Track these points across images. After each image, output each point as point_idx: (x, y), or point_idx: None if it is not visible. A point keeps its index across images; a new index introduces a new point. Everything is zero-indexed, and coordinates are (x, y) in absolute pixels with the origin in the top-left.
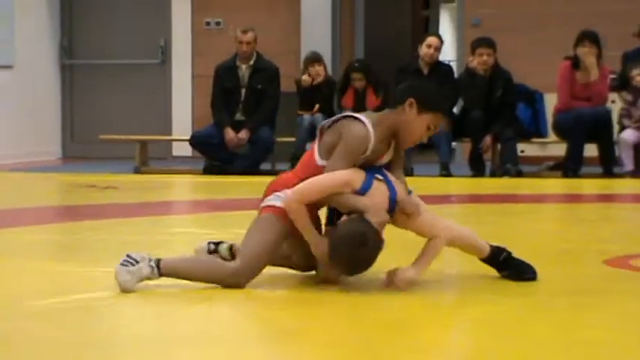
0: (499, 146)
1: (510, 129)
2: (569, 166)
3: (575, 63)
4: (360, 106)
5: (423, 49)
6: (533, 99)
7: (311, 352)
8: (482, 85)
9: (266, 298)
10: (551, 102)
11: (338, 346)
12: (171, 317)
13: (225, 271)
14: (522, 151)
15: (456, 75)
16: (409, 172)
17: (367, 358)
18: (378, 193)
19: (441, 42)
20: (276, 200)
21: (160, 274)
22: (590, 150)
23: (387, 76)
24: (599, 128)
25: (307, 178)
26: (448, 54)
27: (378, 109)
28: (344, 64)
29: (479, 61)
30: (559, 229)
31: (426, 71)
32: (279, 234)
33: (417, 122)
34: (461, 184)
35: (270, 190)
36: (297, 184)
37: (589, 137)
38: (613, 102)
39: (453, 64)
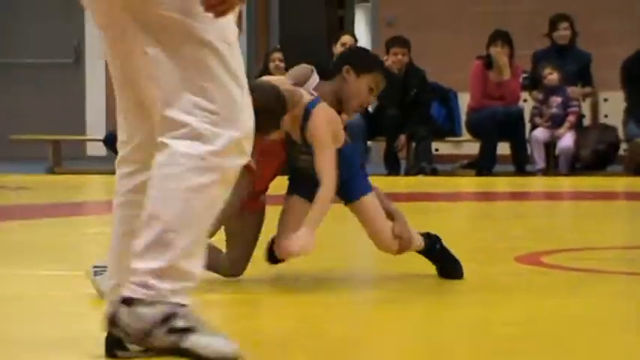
0: (414, 145)
1: (425, 127)
2: (483, 165)
3: (488, 62)
4: None
5: (338, 48)
6: (447, 98)
7: None
8: (396, 83)
9: None
10: (464, 101)
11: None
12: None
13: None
14: (437, 150)
15: None
16: None
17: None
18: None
19: (355, 40)
20: None
21: None
22: (503, 148)
23: None
24: (511, 127)
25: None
26: None
27: None
28: (259, 63)
29: (393, 60)
30: (472, 226)
31: None
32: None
33: (358, 85)
34: (376, 183)
35: None
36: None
37: (502, 136)
38: (525, 101)
39: None
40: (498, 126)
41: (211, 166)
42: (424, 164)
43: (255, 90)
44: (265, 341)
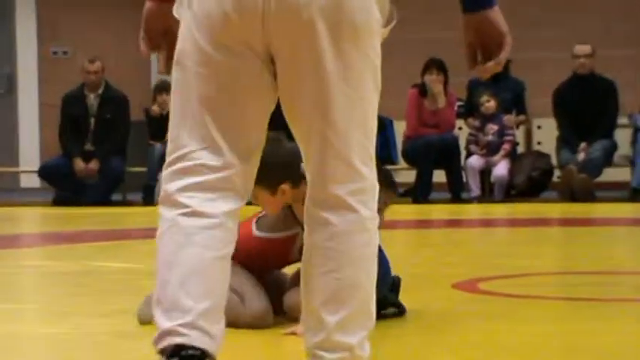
0: None
1: None
2: (419, 192)
3: (423, 90)
4: None
5: None
6: (383, 126)
7: None
8: None
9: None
10: (400, 129)
11: None
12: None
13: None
14: None
15: None
16: None
17: None
18: None
19: None
20: None
21: None
22: (439, 176)
23: None
24: (446, 155)
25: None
26: None
27: None
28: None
29: None
30: (409, 254)
31: None
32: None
33: None
34: None
35: None
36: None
37: (437, 163)
38: (460, 129)
39: None
40: (434, 154)
41: (377, 225)
42: None
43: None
44: None
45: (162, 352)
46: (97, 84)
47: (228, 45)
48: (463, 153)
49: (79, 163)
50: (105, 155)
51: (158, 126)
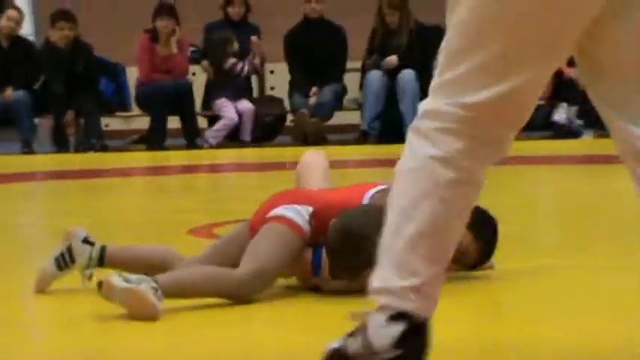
0: (82, 121)
1: (93, 103)
2: (153, 139)
3: (154, 36)
4: None
5: (3, 23)
6: (116, 72)
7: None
8: (63, 58)
9: None
10: (133, 75)
11: None
12: None
13: (232, 282)
14: (107, 125)
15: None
16: None
17: None
18: None
19: (21, 15)
20: (288, 212)
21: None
22: (175, 122)
23: None
24: (180, 101)
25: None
26: (25, 28)
27: None
28: None
29: (60, 35)
30: (144, 201)
31: (6, 45)
32: (292, 245)
33: None
34: (44, 161)
35: (278, 202)
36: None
37: (172, 110)
38: (194, 74)
39: (30, 38)
40: (166, 100)
41: None
42: (93, 140)
43: None
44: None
45: (382, 308)
46: None
47: None
48: (197, 99)
49: None
50: None
51: None
